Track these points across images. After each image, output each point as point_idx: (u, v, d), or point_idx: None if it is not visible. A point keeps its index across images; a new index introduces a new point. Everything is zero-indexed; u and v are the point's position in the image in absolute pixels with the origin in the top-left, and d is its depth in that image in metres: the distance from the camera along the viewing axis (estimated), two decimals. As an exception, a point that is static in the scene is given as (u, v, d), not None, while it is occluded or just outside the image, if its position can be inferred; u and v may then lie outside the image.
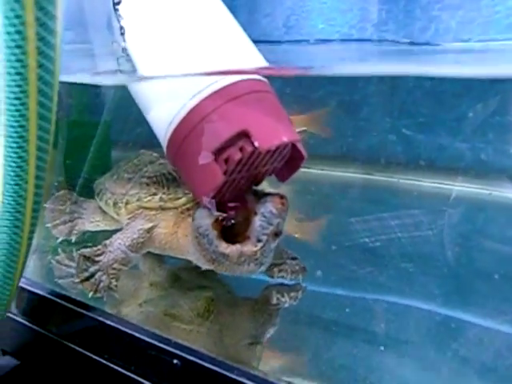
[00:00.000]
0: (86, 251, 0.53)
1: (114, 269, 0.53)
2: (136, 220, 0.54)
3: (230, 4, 0.88)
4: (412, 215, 0.73)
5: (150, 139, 0.50)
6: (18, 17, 0.31)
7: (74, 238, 0.65)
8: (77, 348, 0.47)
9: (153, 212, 0.54)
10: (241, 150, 0.41)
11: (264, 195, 0.46)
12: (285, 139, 0.43)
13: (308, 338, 0.49)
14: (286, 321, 0.52)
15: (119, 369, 0.45)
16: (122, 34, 0.48)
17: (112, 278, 0.52)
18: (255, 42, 0.86)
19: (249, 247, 0.44)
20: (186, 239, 0.51)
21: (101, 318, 0.46)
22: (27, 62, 0.33)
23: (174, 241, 0.53)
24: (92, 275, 0.52)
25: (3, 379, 0.52)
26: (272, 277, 0.56)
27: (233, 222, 0.46)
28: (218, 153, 0.42)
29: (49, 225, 0.65)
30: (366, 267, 0.61)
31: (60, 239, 0.65)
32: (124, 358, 0.44)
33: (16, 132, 0.35)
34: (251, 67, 0.47)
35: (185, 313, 0.51)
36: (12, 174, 0.37)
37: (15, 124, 0.35)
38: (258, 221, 0.44)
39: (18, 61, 0.33)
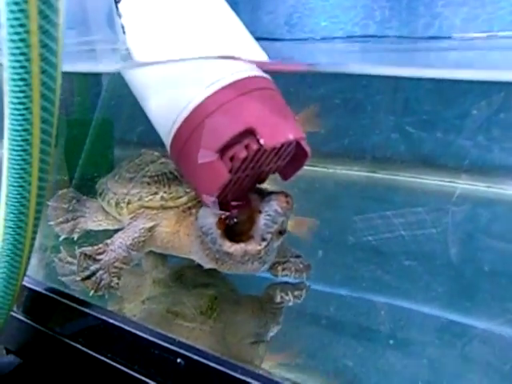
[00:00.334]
0: (87, 249, 0.53)
1: (116, 267, 0.53)
2: (138, 219, 0.54)
3: (232, 1, 0.88)
4: (416, 213, 0.73)
5: (153, 137, 0.50)
6: (22, 26, 0.32)
7: (76, 237, 0.65)
8: (80, 347, 0.47)
9: (154, 211, 0.54)
10: (246, 147, 0.41)
11: (268, 194, 0.46)
12: (290, 136, 0.43)
13: (311, 337, 0.48)
14: (289, 319, 0.52)
15: (122, 368, 0.44)
16: (124, 32, 0.48)
17: (113, 277, 0.52)
18: (258, 39, 0.86)
19: (253, 246, 0.43)
20: (188, 238, 0.50)
21: (104, 317, 0.46)
22: (31, 67, 0.34)
23: (175, 240, 0.52)
24: (93, 274, 0.51)
25: (6, 377, 0.52)
26: (276, 275, 0.56)
27: (236, 220, 0.45)
28: (223, 151, 0.41)
29: (52, 223, 0.65)
30: (369, 265, 0.60)
31: (62, 237, 0.65)
32: (127, 356, 0.44)
33: (20, 135, 0.36)
34: (257, 59, 0.46)
35: (187, 310, 0.51)
36: (15, 175, 0.38)
37: (19, 127, 0.36)
38: (262, 219, 0.44)
39: (22, 67, 0.34)
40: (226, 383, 0.39)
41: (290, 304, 0.53)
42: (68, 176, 0.82)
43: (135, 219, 0.54)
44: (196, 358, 0.40)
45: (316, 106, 0.82)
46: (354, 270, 0.59)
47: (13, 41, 0.33)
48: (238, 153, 0.41)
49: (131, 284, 0.58)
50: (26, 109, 0.35)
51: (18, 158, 0.37)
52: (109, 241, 0.53)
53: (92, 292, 0.51)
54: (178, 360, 0.41)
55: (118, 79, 0.54)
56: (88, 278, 0.51)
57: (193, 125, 0.42)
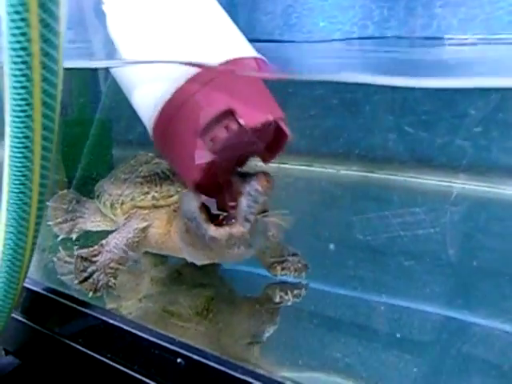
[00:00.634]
0: (83, 252, 0.53)
1: (112, 268, 0.53)
2: (131, 220, 0.55)
3: (230, 2, 0.88)
4: (414, 213, 0.73)
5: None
6: (22, 20, 0.32)
7: (74, 237, 0.65)
8: (79, 347, 0.47)
9: (146, 211, 0.54)
10: (226, 128, 0.41)
11: (249, 175, 0.45)
12: (270, 117, 0.42)
13: (310, 336, 0.48)
14: (289, 319, 0.52)
15: (122, 368, 0.44)
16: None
17: (110, 277, 0.53)
18: (256, 40, 0.86)
19: (237, 228, 0.43)
20: (177, 236, 0.51)
21: (104, 317, 0.46)
22: (32, 63, 0.34)
23: (168, 240, 0.53)
24: (90, 275, 0.52)
25: (6, 378, 0.52)
26: (275, 275, 0.56)
27: (220, 204, 0.46)
28: (203, 133, 0.41)
29: (50, 223, 0.65)
30: (367, 265, 0.61)
31: (60, 237, 0.65)
32: (127, 357, 0.44)
33: (21, 132, 0.36)
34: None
35: (183, 310, 0.51)
36: (17, 182, 0.38)
37: (21, 125, 0.36)
38: (244, 200, 0.43)
39: (23, 62, 0.34)
40: (227, 383, 0.39)
41: (290, 303, 0.53)
42: (66, 176, 0.82)
43: (129, 220, 0.55)
44: (196, 357, 0.40)
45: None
46: (352, 270, 0.59)
47: (14, 49, 0.33)
48: (219, 134, 0.41)
49: (130, 282, 0.59)
50: (28, 116, 0.35)
51: (20, 164, 0.37)
52: (104, 241, 0.54)
53: (91, 294, 0.51)
54: (178, 360, 0.41)
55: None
56: (85, 280, 0.52)
57: (173, 109, 0.43)
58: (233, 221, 0.44)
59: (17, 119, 0.35)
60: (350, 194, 0.82)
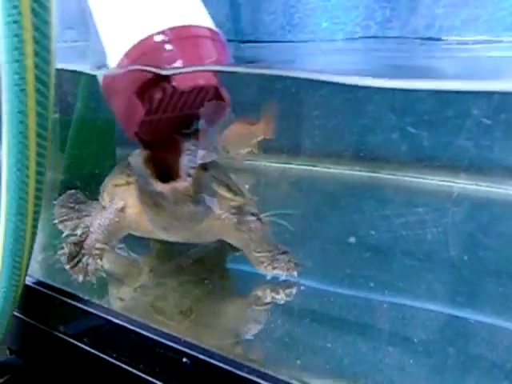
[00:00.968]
0: (74, 238, 0.58)
1: (97, 249, 0.57)
2: (113, 201, 0.57)
3: (233, 2, 0.88)
4: (416, 213, 0.74)
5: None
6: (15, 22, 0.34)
7: (79, 233, 0.65)
8: (84, 347, 0.47)
9: (123, 188, 0.56)
10: (162, 89, 0.45)
11: (189, 133, 0.49)
12: (200, 82, 0.47)
13: (297, 338, 0.48)
14: (277, 320, 0.51)
15: (128, 367, 0.45)
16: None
17: (97, 259, 0.56)
18: (259, 41, 0.86)
19: (181, 183, 0.45)
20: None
21: (109, 317, 0.46)
22: (25, 62, 0.35)
23: (142, 219, 0.54)
24: (79, 260, 0.55)
25: (10, 377, 0.52)
26: (266, 273, 0.56)
27: (167, 162, 0.47)
28: (142, 91, 0.46)
29: (56, 220, 0.66)
30: (370, 265, 0.61)
31: (65, 233, 0.65)
32: (132, 356, 0.44)
33: (16, 129, 0.37)
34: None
35: (168, 308, 0.51)
36: (14, 169, 0.39)
37: (15, 120, 0.37)
38: (185, 156, 0.45)
39: (16, 61, 0.35)
40: (232, 382, 0.39)
41: (282, 303, 0.52)
42: (70, 176, 0.82)
43: (112, 201, 0.58)
44: (202, 357, 0.40)
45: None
46: (355, 269, 0.59)
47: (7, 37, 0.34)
48: (155, 94, 0.45)
49: (131, 270, 0.61)
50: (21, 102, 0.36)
51: (15, 159, 0.38)
52: (89, 223, 0.59)
53: (81, 278, 0.54)
54: (184, 359, 0.41)
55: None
56: (76, 265, 0.55)
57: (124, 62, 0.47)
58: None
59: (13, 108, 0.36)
60: (352, 194, 0.82)
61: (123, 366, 0.45)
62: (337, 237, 0.68)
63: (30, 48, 0.35)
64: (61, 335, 0.49)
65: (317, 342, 0.46)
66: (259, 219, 0.58)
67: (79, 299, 0.49)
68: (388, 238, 0.67)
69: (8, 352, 0.54)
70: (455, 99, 0.77)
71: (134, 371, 0.44)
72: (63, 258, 0.58)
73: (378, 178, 0.87)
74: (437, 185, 0.83)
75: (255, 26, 0.87)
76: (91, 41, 0.57)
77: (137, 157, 0.47)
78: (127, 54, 0.46)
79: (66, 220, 0.66)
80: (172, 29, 0.45)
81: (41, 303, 0.52)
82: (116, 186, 0.58)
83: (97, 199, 0.66)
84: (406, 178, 0.85)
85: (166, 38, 0.45)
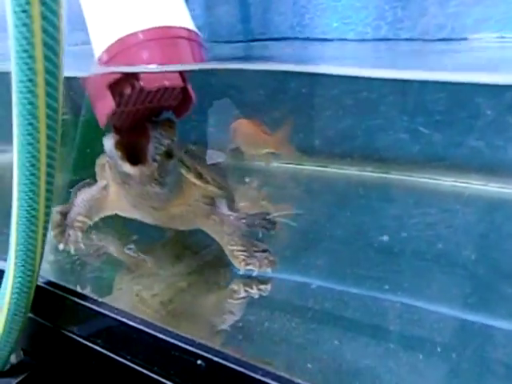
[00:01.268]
0: (59, 207, 0.65)
1: (79, 221, 0.64)
2: (99, 180, 0.63)
3: (243, 2, 0.88)
4: (428, 214, 0.73)
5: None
6: (24, 11, 0.34)
7: (91, 223, 0.70)
8: (98, 348, 0.47)
9: (104, 167, 0.60)
10: (131, 86, 0.50)
11: (157, 122, 0.53)
12: (166, 83, 0.51)
13: (316, 336, 0.48)
14: (247, 314, 0.51)
15: (142, 369, 0.45)
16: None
17: (77, 231, 0.64)
18: (269, 40, 0.86)
19: (147, 166, 0.49)
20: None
21: (123, 319, 0.46)
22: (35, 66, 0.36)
23: (122, 199, 0.59)
24: (64, 230, 0.63)
25: (24, 379, 0.52)
26: (239, 269, 0.58)
27: (135, 146, 0.51)
28: (113, 86, 0.50)
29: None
30: (382, 265, 0.60)
31: None
32: (147, 358, 0.44)
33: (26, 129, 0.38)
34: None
35: (151, 299, 0.53)
36: (24, 170, 0.39)
37: (26, 121, 0.37)
38: (151, 143, 0.50)
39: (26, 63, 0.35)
40: (247, 385, 0.39)
41: (256, 297, 0.53)
42: (81, 176, 0.82)
43: (99, 180, 0.63)
44: (216, 359, 0.40)
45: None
46: (367, 270, 0.59)
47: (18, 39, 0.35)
48: (124, 89, 0.50)
49: (136, 259, 0.63)
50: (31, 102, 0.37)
51: (27, 163, 0.39)
52: (74, 198, 0.65)
53: (61, 246, 0.63)
54: (198, 362, 0.41)
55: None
56: (59, 233, 0.63)
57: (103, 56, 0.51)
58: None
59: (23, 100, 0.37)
60: (364, 195, 0.82)
61: (137, 367, 0.45)
62: (349, 237, 0.68)
63: (39, 50, 0.35)
64: (74, 336, 0.49)
65: (325, 343, 0.45)
66: (235, 215, 0.60)
67: (92, 300, 0.49)
68: (400, 238, 0.66)
69: (22, 353, 0.54)
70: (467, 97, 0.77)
71: (149, 373, 0.44)
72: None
73: (389, 179, 0.86)
74: (449, 185, 0.82)
75: (266, 26, 0.87)
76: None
77: (108, 140, 0.51)
78: (107, 50, 0.50)
79: None
80: (150, 29, 0.49)
81: (54, 304, 0.52)
82: (99, 165, 0.63)
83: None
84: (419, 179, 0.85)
85: (143, 38, 0.49)
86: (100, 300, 0.49)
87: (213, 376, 0.41)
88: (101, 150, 0.82)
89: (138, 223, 0.63)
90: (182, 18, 0.53)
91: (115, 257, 0.66)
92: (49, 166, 0.40)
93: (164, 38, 0.50)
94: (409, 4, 0.76)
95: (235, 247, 0.58)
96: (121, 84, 0.50)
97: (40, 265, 0.45)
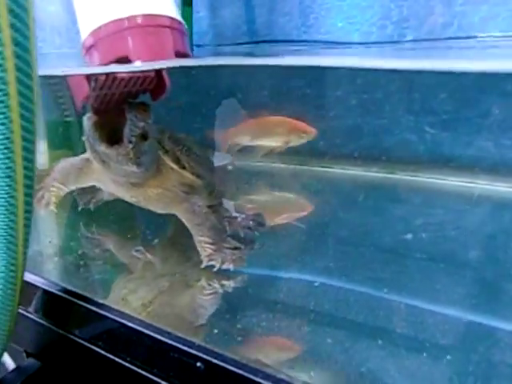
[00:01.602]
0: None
1: (54, 186, 0.67)
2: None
3: (248, 4, 0.88)
4: (436, 214, 0.72)
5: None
6: None
7: (92, 207, 0.74)
8: (99, 350, 0.47)
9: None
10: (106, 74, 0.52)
11: (133, 105, 0.54)
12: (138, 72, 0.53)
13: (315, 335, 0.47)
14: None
15: (141, 371, 0.44)
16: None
17: (52, 196, 0.67)
18: (274, 41, 0.86)
19: (123, 147, 0.52)
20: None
21: (123, 320, 0.46)
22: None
23: (105, 174, 0.60)
24: (37, 190, 0.66)
25: (27, 381, 0.52)
26: (201, 264, 0.58)
27: (113, 127, 0.53)
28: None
29: (75, 193, 0.74)
30: (388, 266, 0.60)
31: (80, 207, 0.74)
32: (147, 360, 0.44)
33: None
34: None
35: (134, 301, 0.52)
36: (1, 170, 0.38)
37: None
38: (127, 125, 0.52)
39: None
40: (247, 387, 0.38)
41: (220, 291, 0.54)
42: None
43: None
44: (216, 361, 0.40)
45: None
46: (372, 270, 0.58)
47: None
48: (99, 77, 0.52)
49: (138, 264, 0.62)
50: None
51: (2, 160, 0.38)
52: (54, 164, 0.68)
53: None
54: (198, 364, 0.41)
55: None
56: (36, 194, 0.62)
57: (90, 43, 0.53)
58: None
59: None
60: (370, 196, 0.81)
61: (137, 369, 0.44)
62: (354, 238, 0.67)
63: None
64: (76, 338, 0.49)
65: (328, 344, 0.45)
66: (234, 253, 0.59)
67: (95, 303, 0.49)
68: (409, 239, 0.66)
69: (25, 355, 0.54)
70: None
71: (149, 375, 0.44)
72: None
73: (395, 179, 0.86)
74: (457, 186, 0.81)
75: (270, 27, 0.87)
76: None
77: (87, 120, 0.53)
78: (91, 35, 0.52)
79: (81, 193, 0.74)
80: (134, 16, 0.51)
81: (57, 306, 0.52)
82: (84, 140, 0.62)
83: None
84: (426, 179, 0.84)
85: (127, 25, 0.51)
86: (100, 302, 0.49)
87: (212, 378, 0.40)
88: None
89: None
90: (166, 7, 0.54)
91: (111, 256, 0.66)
92: (26, 149, 0.39)
93: (147, 26, 0.52)
94: (415, 3, 0.76)
95: (203, 238, 0.59)
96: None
97: (25, 258, 0.43)
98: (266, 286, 0.56)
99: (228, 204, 0.74)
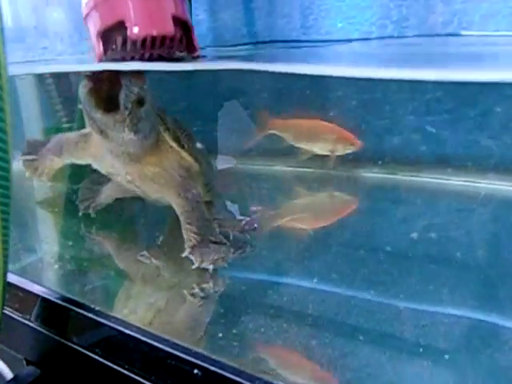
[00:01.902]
0: (32, 139, 0.71)
1: (48, 158, 0.68)
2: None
3: (247, 6, 0.88)
4: (440, 215, 0.72)
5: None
6: None
7: (92, 213, 0.74)
8: (97, 358, 0.47)
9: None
10: (121, 36, 0.53)
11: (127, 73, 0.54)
12: (154, 32, 0.53)
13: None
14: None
15: (139, 378, 0.44)
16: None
17: (45, 166, 0.68)
18: (273, 42, 0.86)
19: (119, 114, 0.52)
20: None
21: (121, 328, 0.46)
22: None
23: (101, 148, 0.60)
24: (32, 160, 0.68)
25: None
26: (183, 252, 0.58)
27: (108, 93, 0.53)
28: (103, 35, 0.54)
29: (77, 201, 0.76)
30: (392, 268, 0.59)
31: (80, 213, 0.74)
32: (144, 367, 0.44)
33: None
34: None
35: (132, 314, 0.51)
36: None
37: None
38: (122, 91, 0.52)
39: None
40: (244, 395, 0.38)
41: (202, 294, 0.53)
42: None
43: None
44: (213, 369, 0.40)
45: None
46: (376, 273, 0.57)
47: None
48: (115, 38, 0.53)
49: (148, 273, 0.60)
50: None
51: None
52: (52, 136, 0.69)
53: (28, 174, 0.70)
54: (195, 371, 0.40)
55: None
56: (29, 163, 0.68)
57: (90, 6, 0.55)
58: None
59: None
60: (372, 197, 0.81)
61: (135, 377, 0.44)
62: (358, 240, 0.67)
63: None
64: (74, 346, 0.49)
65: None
66: (215, 250, 0.58)
67: (92, 310, 0.49)
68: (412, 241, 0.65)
69: (25, 363, 0.54)
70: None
71: (146, 382, 0.43)
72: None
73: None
74: (463, 186, 0.81)
75: (270, 29, 0.87)
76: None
77: (82, 88, 0.53)
78: (89, 1, 0.54)
79: (82, 200, 0.76)
80: None
81: (55, 314, 0.52)
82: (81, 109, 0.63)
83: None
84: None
85: None
86: (97, 309, 0.49)
87: (210, 385, 0.40)
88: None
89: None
90: None
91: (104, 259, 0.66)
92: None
93: None
94: (414, 2, 0.75)
95: (190, 226, 0.59)
96: (111, 33, 0.54)
97: (6, 258, 0.43)
98: (254, 291, 0.55)
99: (232, 206, 0.74)
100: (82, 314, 0.50)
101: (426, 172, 0.83)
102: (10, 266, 0.45)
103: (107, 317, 0.48)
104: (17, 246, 0.66)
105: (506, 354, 0.43)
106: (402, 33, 0.76)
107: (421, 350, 0.43)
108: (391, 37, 0.77)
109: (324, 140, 0.85)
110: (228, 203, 0.76)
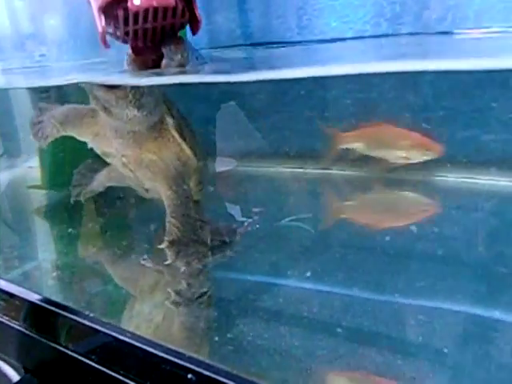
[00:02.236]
0: (44, 105, 0.71)
1: (50, 123, 0.67)
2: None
3: (241, 7, 0.88)
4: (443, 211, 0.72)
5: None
6: None
7: (83, 199, 0.76)
8: (93, 364, 0.47)
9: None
10: (123, 9, 0.51)
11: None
12: (154, 3, 0.51)
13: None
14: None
15: (135, 384, 0.44)
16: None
17: (47, 133, 0.68)
18: (268, 43, 0.86)
19: (121, 90, 0.52)
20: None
21: (115, 334, 0.46)
22: None
23: (103, 126, 0.60)
24: (39, 129, 0.68)
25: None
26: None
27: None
28: (105, 9, 0.52)
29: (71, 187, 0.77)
30: (398, 266, 0.59)
31: (72, 199, 0.76)
32: (139, 373, 0.44)
33: None
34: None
35: (116, 311, 0.53)
36: None
37: None
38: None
39: None
40: (238, 399, 0.38)
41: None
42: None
43: None
44: (207, 373, 0.40)
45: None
46: (382, 273, 0.57)
47: None
48: (118, 12, 0.52)
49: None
50: None
51: None
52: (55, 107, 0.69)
53: (31, 137, 0.70)
54: (189, 376, 0.40)
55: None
56: (35, 131, 0.68)
57: None
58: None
59: None
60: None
61: (131, 382, 0.44)
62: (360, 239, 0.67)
63: None
64: (70, 353, 0.49)
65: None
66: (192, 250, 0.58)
67: (87, 317, 0.49)
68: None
69: (23, 371, 0.54)
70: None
71: (141, 388, 0.44)
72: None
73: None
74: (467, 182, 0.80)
75: (264, 30, 0.87)
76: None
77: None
78: None
79: (75, 186, 0.77)
80: None
81: (52, 322, 0.52)
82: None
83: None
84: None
85: None
86: (93, 316, 0.49)
87: (204, 390, 0.40)
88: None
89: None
90: None
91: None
92: None
93: None
94: (407, -1, 0.75)
95: (174, 220, 0.59)
96: (113, 6, 0.52)
97: None
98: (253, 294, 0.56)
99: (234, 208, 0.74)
100: (76, 321, 0.50)
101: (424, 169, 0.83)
102: (4, 274, 0.45)
103: (100, 323, 0.48)
104: (13, 253, 0.66)
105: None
106: (397, 30, 0.76)
107: None
108: (386, 35, 0.76)
109: (396, 147, 0.77)
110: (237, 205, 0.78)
